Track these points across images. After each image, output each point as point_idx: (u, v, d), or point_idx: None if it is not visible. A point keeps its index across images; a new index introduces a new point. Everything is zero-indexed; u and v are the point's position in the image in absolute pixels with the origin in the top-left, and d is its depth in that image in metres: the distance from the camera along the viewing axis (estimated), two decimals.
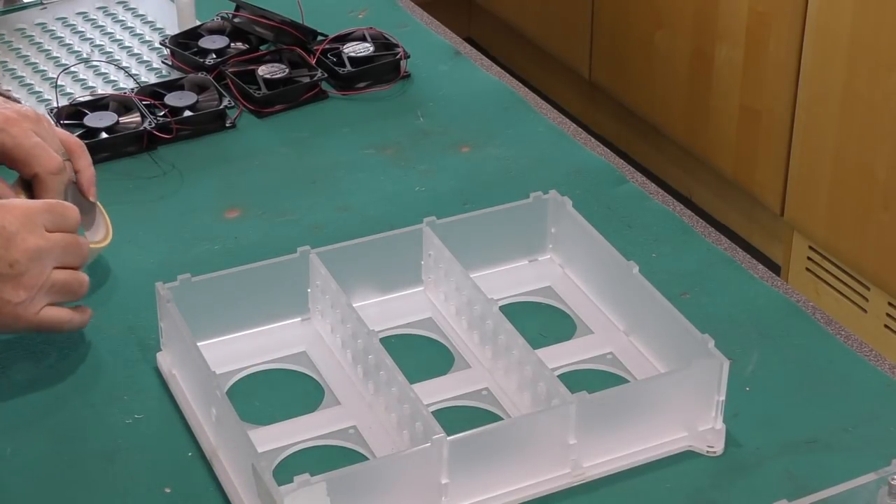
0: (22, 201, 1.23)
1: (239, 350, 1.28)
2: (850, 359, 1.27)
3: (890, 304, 2.61)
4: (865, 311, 2.67)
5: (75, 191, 1.37)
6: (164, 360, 1.26)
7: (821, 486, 1.09)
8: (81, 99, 1.61)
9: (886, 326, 2.64)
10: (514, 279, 1.37)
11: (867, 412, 1.21)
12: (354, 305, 1.26)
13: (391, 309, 1.33)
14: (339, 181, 1.53)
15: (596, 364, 1.28)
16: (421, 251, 1.33)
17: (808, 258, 2.80)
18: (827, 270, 2.75)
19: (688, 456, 1.18)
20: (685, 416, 1.18)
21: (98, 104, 1.59)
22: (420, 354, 1.28)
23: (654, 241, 1.42)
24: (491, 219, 1.36)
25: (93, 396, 1.23)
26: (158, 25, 1.81)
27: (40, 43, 1.77)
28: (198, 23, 1.76)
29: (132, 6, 1.85)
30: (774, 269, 2.90)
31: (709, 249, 1.41)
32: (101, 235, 1.38)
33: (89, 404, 1.23)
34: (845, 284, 2.71)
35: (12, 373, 1.26)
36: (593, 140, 1.61)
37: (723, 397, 1.18)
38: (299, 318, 1.31)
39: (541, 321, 1.32)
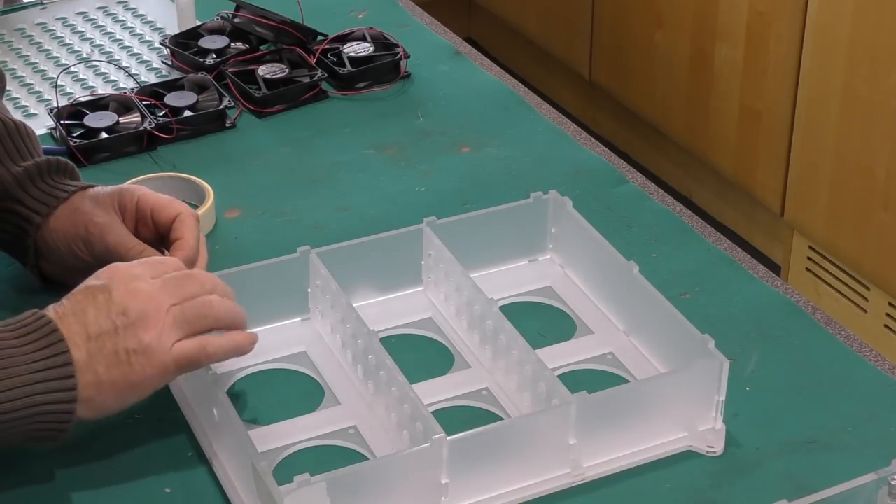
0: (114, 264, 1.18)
1: None
2: (850, 359, 1.27)
3: (890, 304, 2.61)
4: (865, 311, 2.67)
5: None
6: None
7: (821, 486, 1.09)
8: (81, 99, 1.61)
9: (886, 326, 2.64)
10: (514, 279, 1.37)
11: (867, 412, 1.21)
12: (354, 305, 1.26)
13: (391, 309, 1.33)
14: (339, 181, 1.53)
15: (596, 364, 1.28)
16: (421, 251, 1.33)
17: (808, 258, 2.80)
18: (827, 270, 2.75)
19: (688, 456, 1.18)
20: (685, 416, 1.18)
21: (98, 104, 1.59)
22: (420, 354, 1.28)
23: (655, 241, 1.42)
24: (491, 219, 1.36)
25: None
26: (158, 25, 1.81)
27: (40, 43, 1.77)
28: (198, 23, 1.76)
29: (132, 6, 1.85)
30: (774, 269, 2.90)
31: (709, 249, 1.41)
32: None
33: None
34: (845, 284, 2.71)
35: None
36: (593, 140, 1.61)
37: (723, 397, 1.18)
38: (299, 318, 1.31)
39: (541, 321, 1.32)
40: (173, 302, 1.15)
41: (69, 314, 1.12)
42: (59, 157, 1.33)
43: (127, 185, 1.32)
